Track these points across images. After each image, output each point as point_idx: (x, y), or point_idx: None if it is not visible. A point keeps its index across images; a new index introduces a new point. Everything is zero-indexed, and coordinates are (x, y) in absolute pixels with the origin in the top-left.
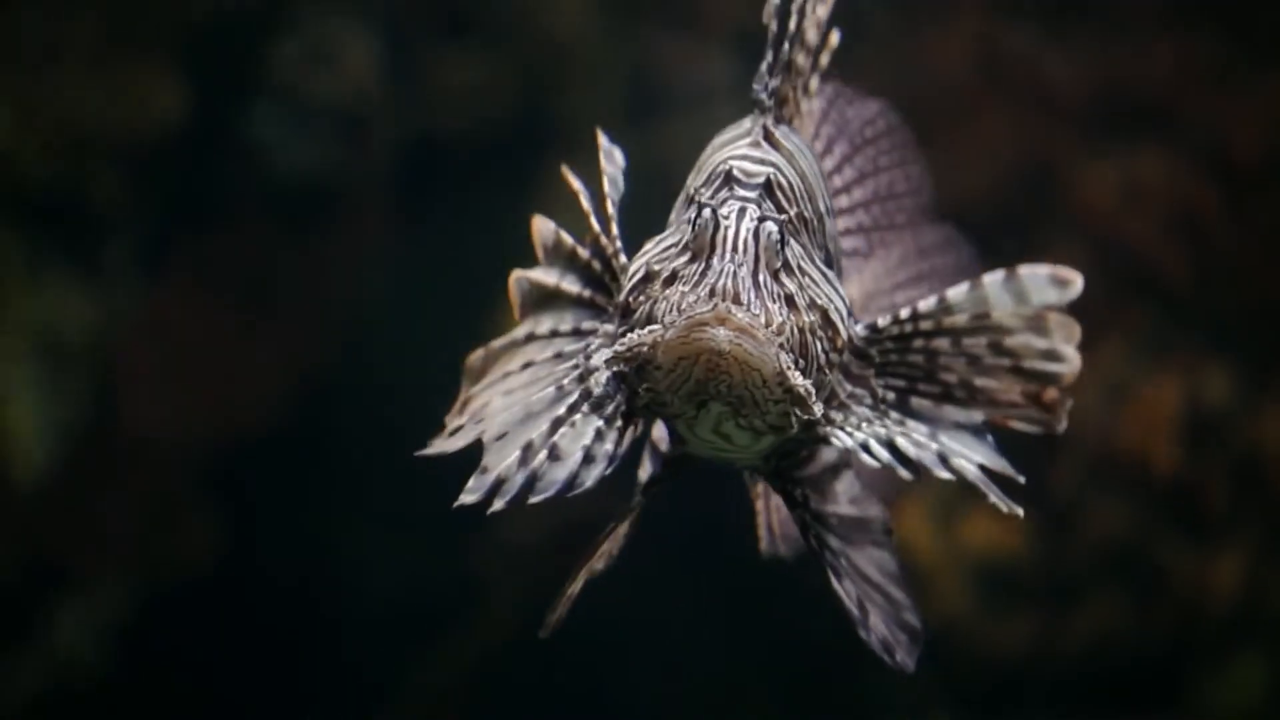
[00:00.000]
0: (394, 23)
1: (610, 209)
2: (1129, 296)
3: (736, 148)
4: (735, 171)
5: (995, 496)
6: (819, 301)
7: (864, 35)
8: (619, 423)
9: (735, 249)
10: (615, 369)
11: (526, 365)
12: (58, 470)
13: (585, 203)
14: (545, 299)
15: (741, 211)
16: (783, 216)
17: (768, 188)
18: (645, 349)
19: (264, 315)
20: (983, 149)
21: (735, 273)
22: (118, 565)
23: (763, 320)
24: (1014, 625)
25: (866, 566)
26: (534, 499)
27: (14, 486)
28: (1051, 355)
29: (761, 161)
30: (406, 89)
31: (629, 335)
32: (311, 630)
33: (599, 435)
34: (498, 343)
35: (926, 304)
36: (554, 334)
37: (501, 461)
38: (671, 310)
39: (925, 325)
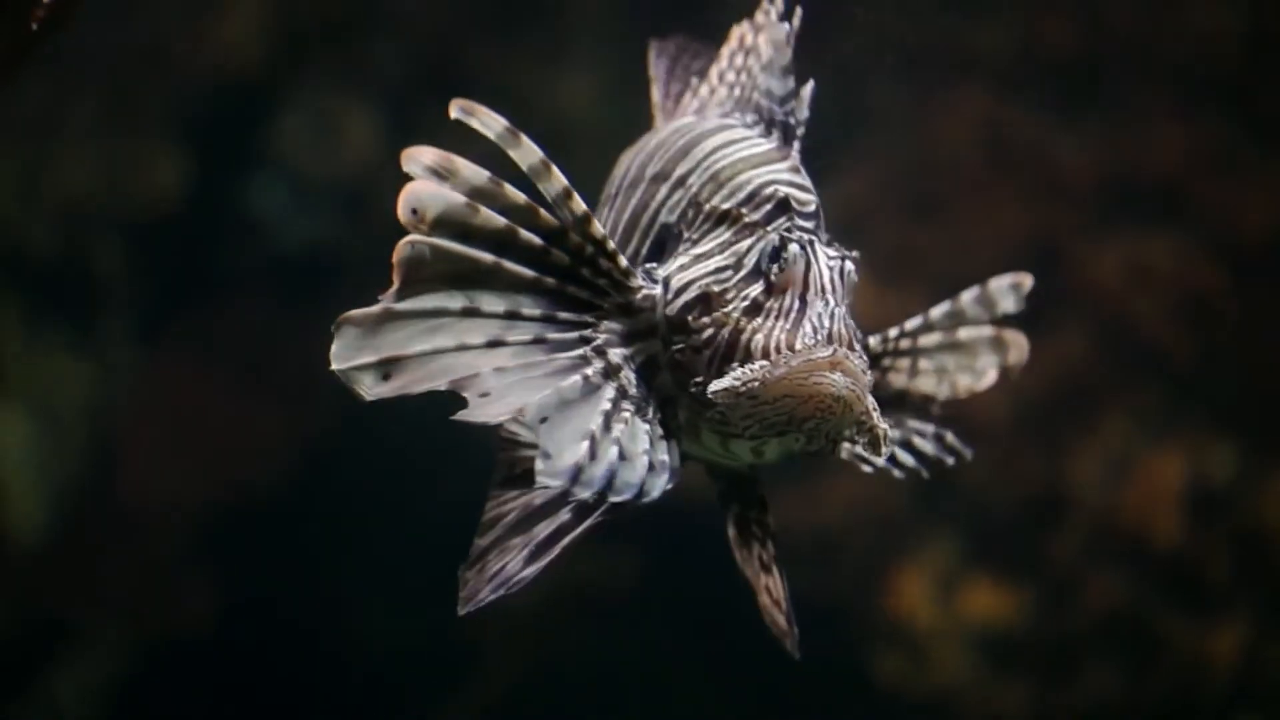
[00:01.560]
0: (395, 95)
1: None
2: (1134, 375)
3: (775, 170)
4: (791, 199)
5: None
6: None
7: (875, 115)
8: (660, 431)
9: (830, 288)
10: (722, 399)
11: (495, 343)
12: (58, 532)
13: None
14: (459, 275)
15: (813, 245)
16: (854, 253)
17: (818, 218)
18: (756, 384)
19: (264, 385)
20: (991, 229)
21: (842, 316)
22: (116, 625)
23: (866, 366)
24: (1013, 694)
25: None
26: (614, 498)
27: (14, 547)
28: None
29: (805, 189)
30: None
31: (741, 369)
32: (309, 694)
33: (653, 443)
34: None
35: (912, 323)
36: (513, 316)
37: (567, 448)
38: (778, 347)
39: (905, 344)
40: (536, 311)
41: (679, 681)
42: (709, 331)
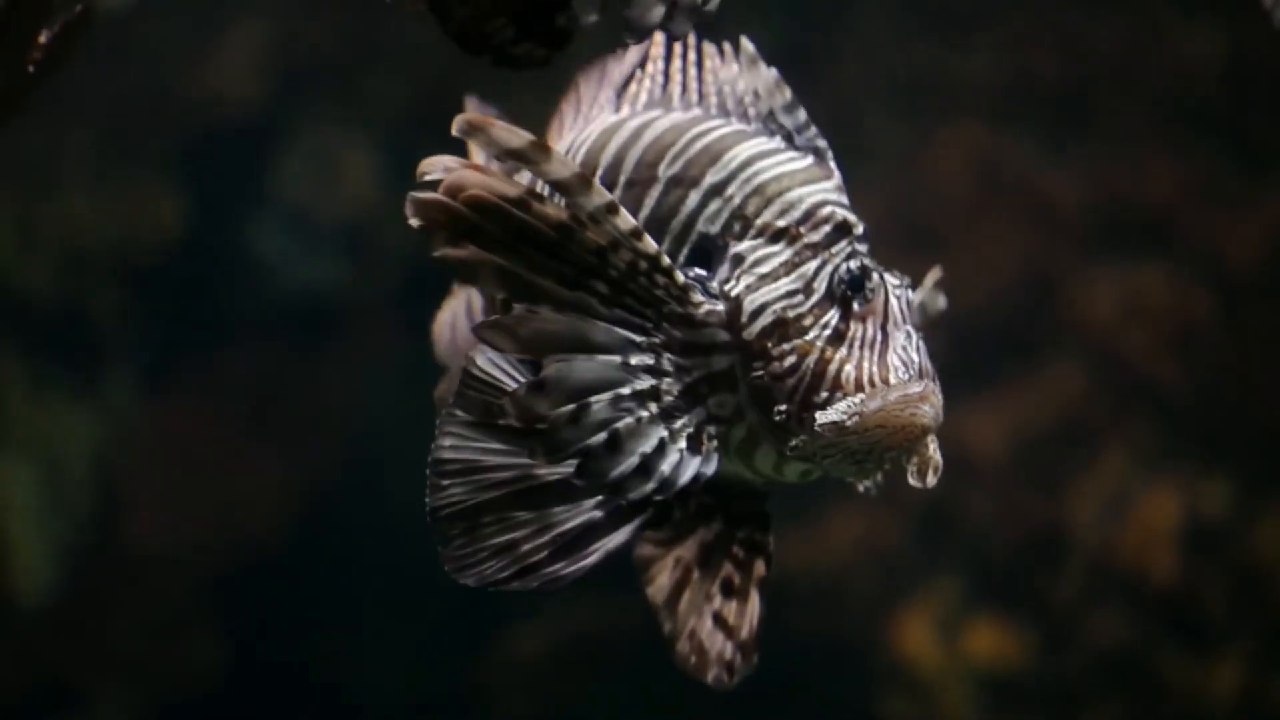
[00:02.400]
0: (393, 134)
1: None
2: (1130, 410)
3: (824, 189)
4: (849, 222)
5: None
6: None
7: (868, 148)
8: (683, 444)
9: (903, 318)
10: (828, 431)
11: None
12: (62, 588)
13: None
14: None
15: (882, 273)
16: (907, 279)
17: (869, 241)
18: (858, 418)
19: (269, 430)
20: (984, 262)
21: (923, 348)
22: (122, 681)
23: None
24: None
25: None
26: (579, 479)
27: (18, 605)
28: None
29: (851, 209)
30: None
31: (844, 402)
32: None
33: (662, 451)
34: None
35: None
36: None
37: (574, 426)
38: (871, 380)
39: None
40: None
41: None
42: (791, 359)
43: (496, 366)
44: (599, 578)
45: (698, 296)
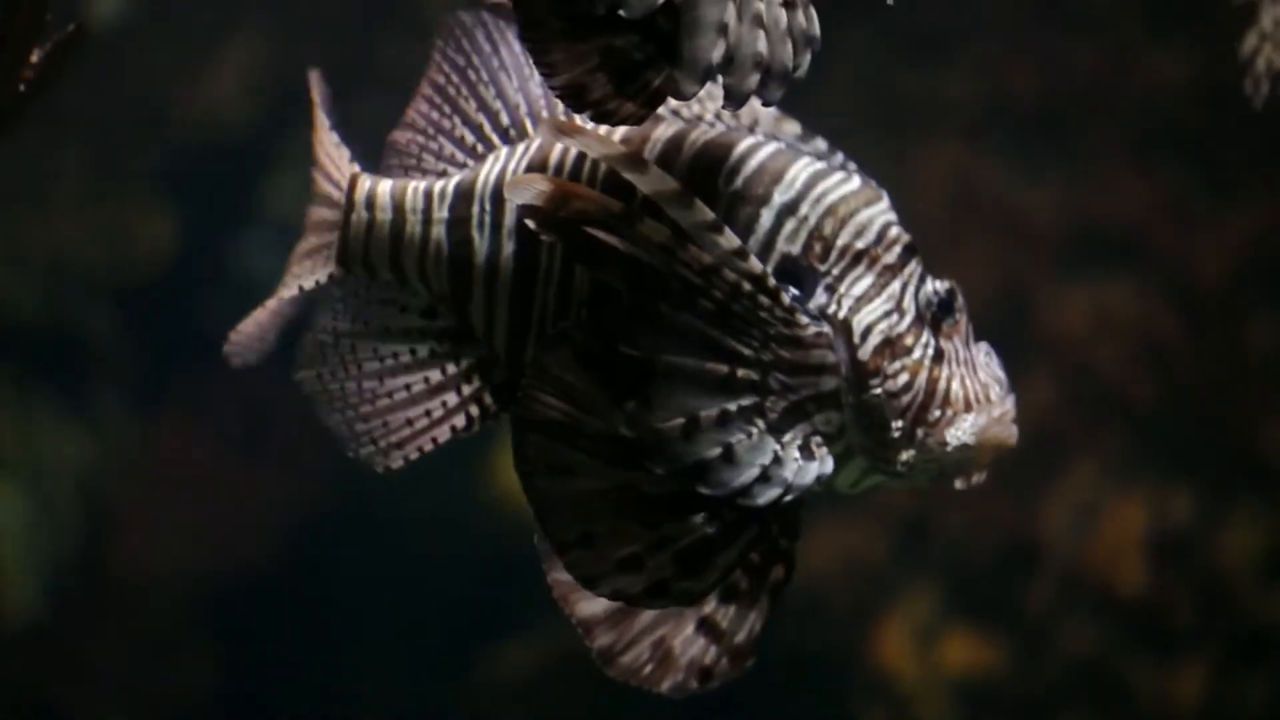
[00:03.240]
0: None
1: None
2: (1099, 421)
3: (885, 210)
4: (915, 244)
5: None
6: None
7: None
8: (795, 453)
9: (972, 335)
10: (954, 450)
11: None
12: (51, 609)
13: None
14: None
15: None
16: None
17: None
18: (978, 435)
19: (259, 450)
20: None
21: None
22: (111, 704)
23: None
24: None
25: None
26: (706, 489)
27: (6, 626)
28: None
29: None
30: None
31: (968, 420)
32: None
33: (780, 460)
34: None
35: None
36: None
37: (687, 441)
38: (977, 398)
39: None
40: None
41: None
42: (904, 378)
43: (572, 371)
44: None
45: (803, 318)
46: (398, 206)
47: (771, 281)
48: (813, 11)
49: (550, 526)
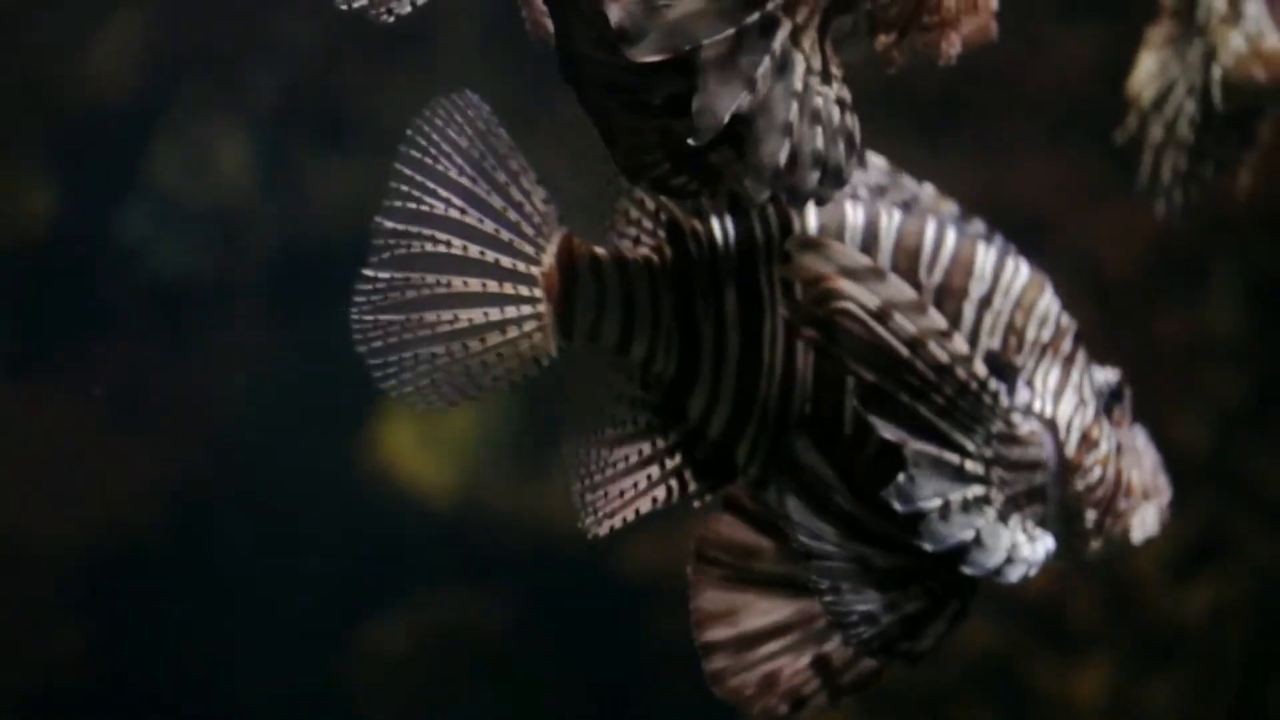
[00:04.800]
0: (270, 128)
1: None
2: None
3: (1053, 297)
4: (1080, 330)
5: None
6: None
7: None
8: (1022, 537)
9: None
10: (1136, 541)
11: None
12: None
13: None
14: None
15: None
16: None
17: None
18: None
19: (137, 420)
20: None
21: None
22: None
23: None
24: None
25: None
26: (966, 568)
27: None
28: None
29: None
30: (282, 194)
31: (1154, 509)
32: None
33: (1028, 538)
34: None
35: None
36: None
37: (944, 522)
38: (1154, 486)
39: None
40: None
41: None
42: (1098, 472)
43: (816, 456)
44: (464, 569)
45: (1018, 416)
46: (625, 283)
47: (993, 383)
48: (857, 116)
49: (816, 569)
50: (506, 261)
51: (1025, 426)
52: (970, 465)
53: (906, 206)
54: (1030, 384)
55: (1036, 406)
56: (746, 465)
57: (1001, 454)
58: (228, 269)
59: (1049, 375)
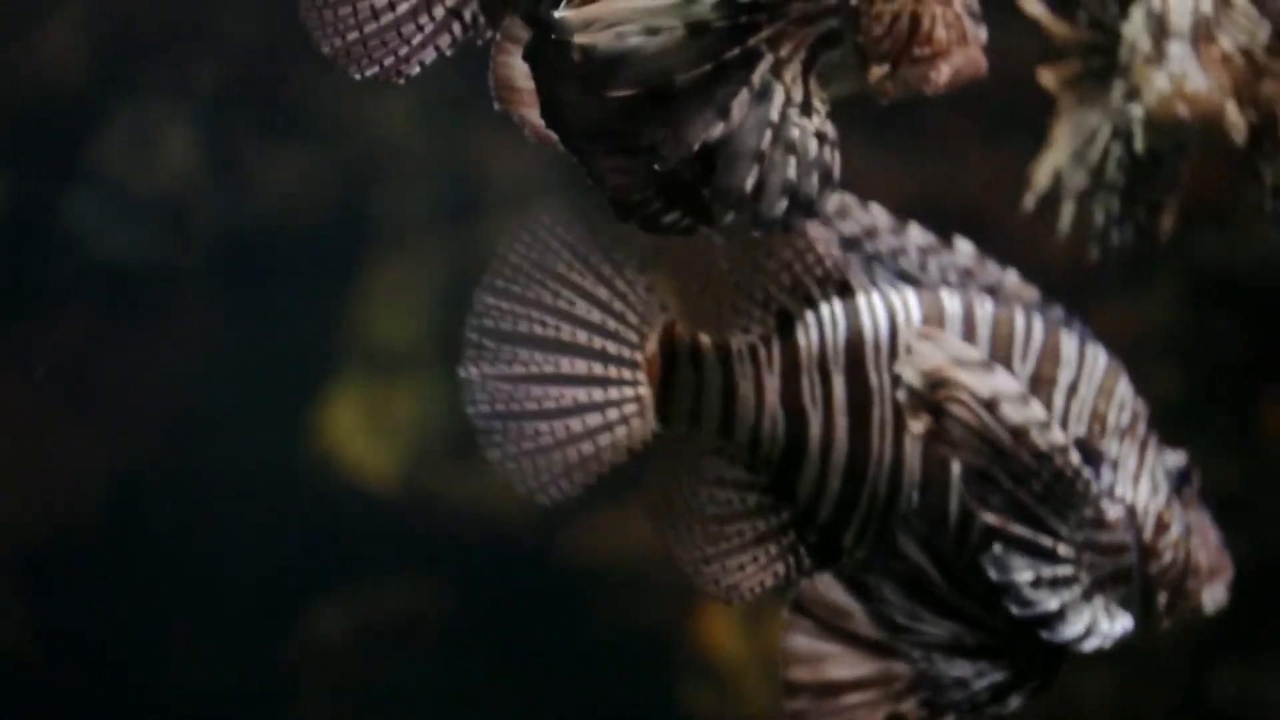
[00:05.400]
0: (215, 114)
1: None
2: None
3: (1125, 381)
4: (1149, 411)
5: None
6: None
7: None
8: (1108, 615)
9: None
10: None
11: None
12: None
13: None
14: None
15: None
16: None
17: None
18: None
19: (81, 406)
20: None
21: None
22: None
23: None
24: None
25: None
26: (1084, 644)
27: None
28: None
29: None
30: (228, 181)
31: (1220, 588)
32: None
33: (1097, 618)
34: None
35: None
36: None
37: (1037, 589)
38: (1220, 565)
39: None
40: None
41: (493, 713)
42: (1170, 555)
43: (915, 548)
44: (407, 557)
45: (1106, 503)
46: (726, 367)
47: (1086, 472)
48: (838, 153)
49: (909, 641)
50: (610, 347)
51: (1112, 512)
52: (1062, 549)
53: (993, 292)
54: (1114, 468)
55: (1119, 491)
56: (854, 548)
57: (1090, 538)
58: (173, 255)
59: (1128, 459)
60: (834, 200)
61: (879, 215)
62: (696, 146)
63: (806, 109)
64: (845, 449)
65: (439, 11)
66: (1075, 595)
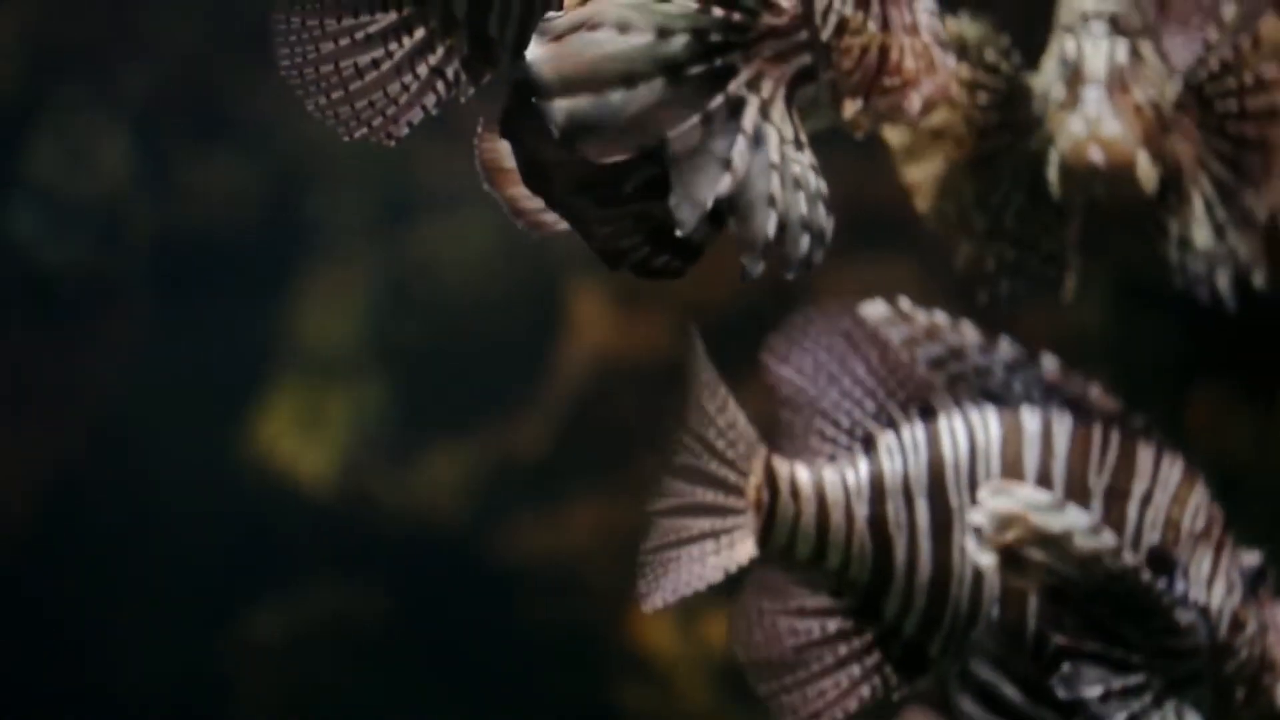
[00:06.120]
0: (147, 122)
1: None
2: None
3: (1201, 486)
4: (1226, 517)
5: None
6: None
7: None
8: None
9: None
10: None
11: None
12: None
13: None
14: None
15: None
16: None
17: None
18: None
19: (15, 410)
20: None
21: None
22: None
23: None
24: None
25: None
26: None
27: None
28: None
29: None
30: (160, 188)
31: None
32: None
33: (1180, 717)
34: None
35: None
36: None
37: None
38: None
39: None
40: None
41: (427, 713)
42: (1245, 652)
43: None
44: (341, 558)
45: (1179, 610)
46: (820, 498)
47: (1158, 586)
48: (825, 180)
49: None
50: (724, 475)
51: (1184, 618)
52: (1134, 658)
53: (1075, 404)
54: (1187, 573)
55: (1192, 595)
56: (939, 661)
57: (1162, 645)
58: (106, 262)
59: (1202, 563)
60: (923, 320)
61: (968, 334)
62: (710, 204)
63: (798, 144)
64: (929, 569)
65: (423, 70)
66: (1146, 703)
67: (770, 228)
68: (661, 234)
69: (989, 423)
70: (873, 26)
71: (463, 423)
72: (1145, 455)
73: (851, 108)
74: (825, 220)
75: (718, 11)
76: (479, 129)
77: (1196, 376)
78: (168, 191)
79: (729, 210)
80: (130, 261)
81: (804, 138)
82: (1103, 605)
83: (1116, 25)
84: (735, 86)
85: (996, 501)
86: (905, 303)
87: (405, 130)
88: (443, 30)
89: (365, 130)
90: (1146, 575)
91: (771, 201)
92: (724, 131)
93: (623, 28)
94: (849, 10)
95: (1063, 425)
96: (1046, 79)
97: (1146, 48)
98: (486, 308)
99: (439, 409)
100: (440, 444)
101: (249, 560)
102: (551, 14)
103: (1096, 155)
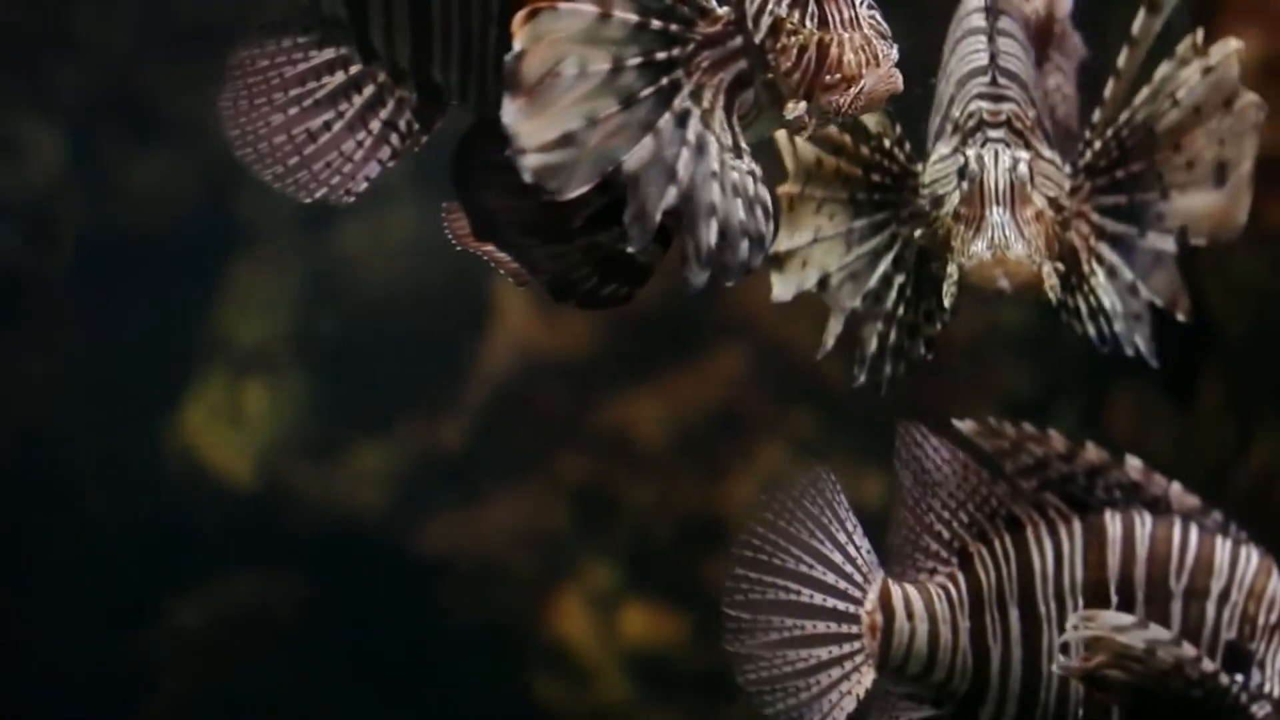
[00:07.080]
0: (79, 119)
1: None
2: (791, 400)
3: (1276, 579)
4: None
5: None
6: None
7: None
8: None
9: None
10: None
11: None
12: None
13: None
14: None
15: None
16: None
17: None
18: None
19: None
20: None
21: None
22: None
23: None
24: (668, 715)
25: None
26: None
27: None
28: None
29: None
30: (92, 185)
31: None
32: None
33: None
34: None
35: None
36: None
37: None
38: None
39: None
40: None
41: (346, 704)
42: None
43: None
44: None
45: (1255, 708)
46: (930, 616)
47: (1235, 688)
48: (767, 188)
49: None
50: (840, 605)
51: (1260, 712)
52: None
53: (1156, 504)
54: (1262, 666)
55: (1268, 689)
56: None
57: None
58: (37, 259)
59: (1278, 656)
60: (1011, 433)
61: (1055, 442)
62: (659, 217)
63: (737, 150)
64: (1020, 676)
65: (375, 125)
66: None
67: (713, 236)
68: (610, 262)
69: (1074, 531)
70: (810, 25)
71: (385, 417)
72: (1222, 553)
73: (794, 108)
74: (764, 225)
75: (655, 23)
76: (445, 208)
77: (1118, 375)
78: (99, 189)
79: (674, 221)
80: (60, 258)
81: (743, 144)
82: (1184, 710)
83: (1012, 127)
84: (679, 100)
85: (1083, 627)
86: (993, 420)
87: (364, 186)
88: (391, 83)
89: (325, 190)
90: (1224, 678)
91: (712, 210)
92: (670, 143)
93: (582, 69)
94: (783, 11)
95: (1144, 529)
96: (938, 178)
97: (1039, 138)
98: (410, 304)
99: (361, 403)
100: (362, 438)
101: (171, 552)
102: (510, 58)
103: (1003, 281)
